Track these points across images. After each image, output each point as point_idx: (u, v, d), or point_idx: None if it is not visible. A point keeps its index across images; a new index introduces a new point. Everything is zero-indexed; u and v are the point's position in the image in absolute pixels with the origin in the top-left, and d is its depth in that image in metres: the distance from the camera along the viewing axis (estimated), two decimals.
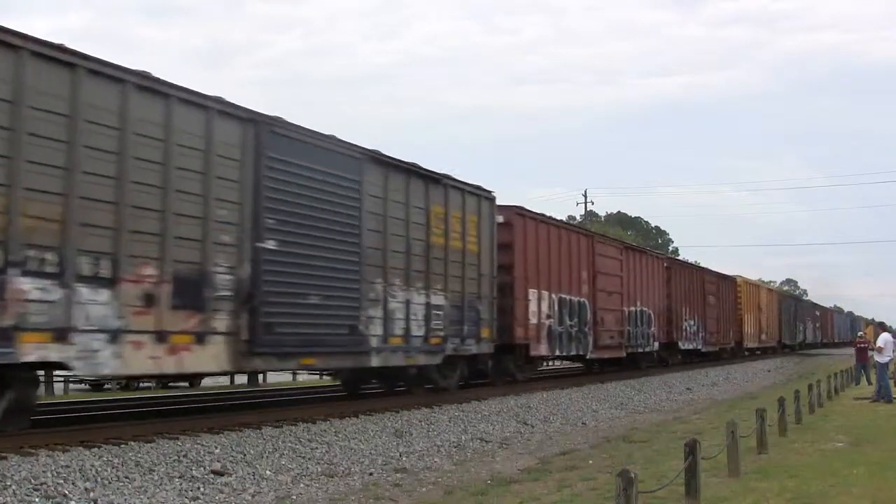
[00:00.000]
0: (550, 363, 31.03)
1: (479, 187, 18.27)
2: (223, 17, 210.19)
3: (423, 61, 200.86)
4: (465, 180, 17.67)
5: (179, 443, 10.44)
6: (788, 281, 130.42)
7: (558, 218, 25.25)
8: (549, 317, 21.01)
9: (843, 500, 8.59)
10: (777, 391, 21.71)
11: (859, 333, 38.79)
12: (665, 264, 32.39)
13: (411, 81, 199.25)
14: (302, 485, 9.49)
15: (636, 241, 60.49)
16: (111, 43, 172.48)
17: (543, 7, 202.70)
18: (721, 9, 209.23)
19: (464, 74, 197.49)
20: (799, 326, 63.48)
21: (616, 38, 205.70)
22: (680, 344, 32.99)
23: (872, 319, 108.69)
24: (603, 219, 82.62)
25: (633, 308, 27.46)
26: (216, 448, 10.40)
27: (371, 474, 10.30)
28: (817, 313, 78.44)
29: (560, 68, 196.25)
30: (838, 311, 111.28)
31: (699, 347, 35.97)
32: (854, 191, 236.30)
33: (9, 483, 8.03)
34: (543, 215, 21.91)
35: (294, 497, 8.94)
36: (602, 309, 24.74)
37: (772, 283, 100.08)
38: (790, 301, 63.40)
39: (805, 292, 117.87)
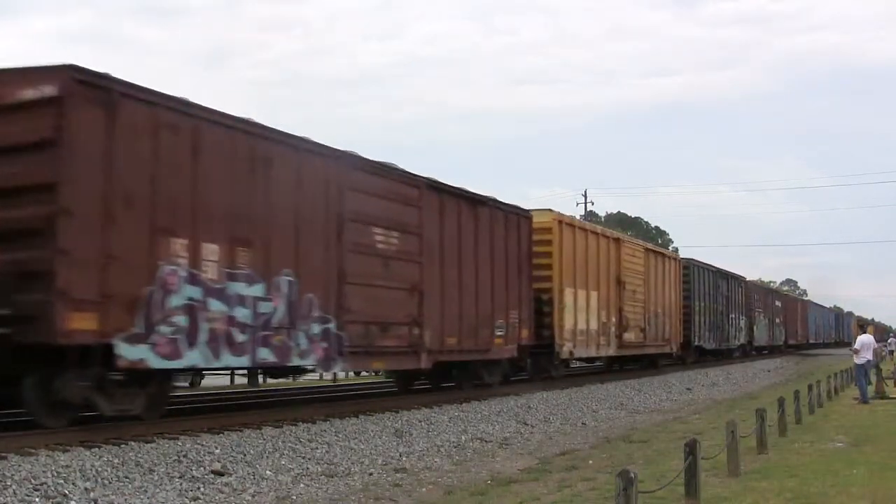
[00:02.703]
0: None
1: None
2: (222, 18, 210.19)
3: (422, 62, 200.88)
4: None
5: (179, 443, 10.43)
6: (788, 281, 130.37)
7: None
8: None
9: (843, 500, 8.59)
10: (777, 391, 21.72)
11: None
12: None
13: (411, 82, 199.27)
14: (302, 485, 9.50)
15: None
16: (110, 44, 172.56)
17: (543, 7, 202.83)
18: (720, 9, 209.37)
19: (463, 75, 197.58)
20: (737, 321, 41.60)
21: (616, 39, 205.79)
22: (121, 350, 10.08)
23: (872, 319, 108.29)
24: (603, 219, 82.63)
25: None
26: (216, 448, 10.39)
27: (371, 474, 10.30)
28: (777, 303, 55.04)
29: (560, 68, 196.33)
30: (837, 309, 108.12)
31: (308, 362, 13.48)
32: (854, 191, 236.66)
33: (9, 483, 8.02)
34: None
35: (294, 497, 8.94)
36: None
37: (771, 284, 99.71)
38: (713, 278, 37.55)
39: (805, 292, 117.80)
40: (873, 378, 22.02)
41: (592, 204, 78.85)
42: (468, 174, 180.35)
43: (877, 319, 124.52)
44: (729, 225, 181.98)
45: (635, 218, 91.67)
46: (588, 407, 18.77)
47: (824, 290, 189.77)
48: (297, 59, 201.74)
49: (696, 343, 34.42)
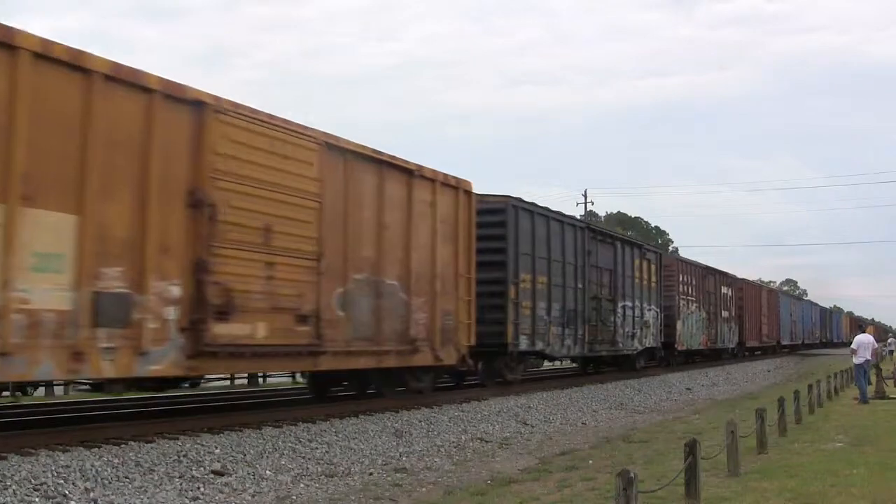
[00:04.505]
0: None
1: None
2: (222, 19, 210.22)
3: (421, 62, 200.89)
4: None
5: (179, 443, 10.44)
6: (788, 281, 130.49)
7: None
8: None
9: (843, 500, 8.58)
10: (777, 391, 21.72)
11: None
12: None
13: (410, 82, 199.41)
14: (302, 485, 9.50)
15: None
16: (110, 45, 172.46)
17: (541, 9, 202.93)
18: (719, 10, 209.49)
19: (462, 75, 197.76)
20: (637, 313, 26.61)
21: (615, 40, 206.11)
22: None
23: (872, 319, 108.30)
24: (603, 219, 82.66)
25: None
26: (216, 448, 10.40)
27: (371, 474, 10.30)
28: (726, 290, 39.32)
29: (559, 69, 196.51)
30: (837, 310, 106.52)
31: None
32: (854, 191, 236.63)
33: (9, 483, 8.03)
34: None
35: (294, 497, 8.94)
36: None
37: (771, 283, 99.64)
38: (578, 238, 22.15)
39: (805, 292, 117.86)
40: (873, 378, 22.03)
41: (592, 204, 78.93)
42: (468, 174, 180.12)
43: (877, 319, 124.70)
44: (729, 225, 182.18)
45: (635, 218, 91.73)
46: (588, 407, 18.77)
47: (824, 290, 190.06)
48: (297, 59, 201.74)
49: (524, 347, 19.43)
